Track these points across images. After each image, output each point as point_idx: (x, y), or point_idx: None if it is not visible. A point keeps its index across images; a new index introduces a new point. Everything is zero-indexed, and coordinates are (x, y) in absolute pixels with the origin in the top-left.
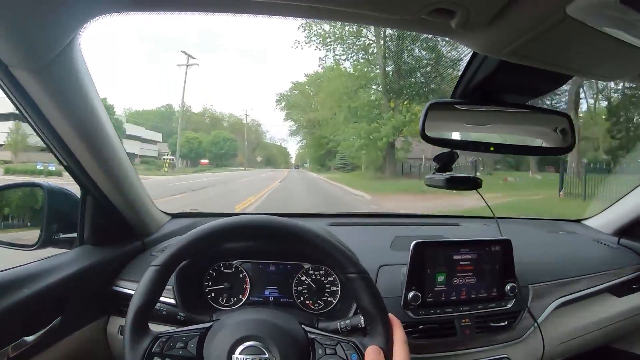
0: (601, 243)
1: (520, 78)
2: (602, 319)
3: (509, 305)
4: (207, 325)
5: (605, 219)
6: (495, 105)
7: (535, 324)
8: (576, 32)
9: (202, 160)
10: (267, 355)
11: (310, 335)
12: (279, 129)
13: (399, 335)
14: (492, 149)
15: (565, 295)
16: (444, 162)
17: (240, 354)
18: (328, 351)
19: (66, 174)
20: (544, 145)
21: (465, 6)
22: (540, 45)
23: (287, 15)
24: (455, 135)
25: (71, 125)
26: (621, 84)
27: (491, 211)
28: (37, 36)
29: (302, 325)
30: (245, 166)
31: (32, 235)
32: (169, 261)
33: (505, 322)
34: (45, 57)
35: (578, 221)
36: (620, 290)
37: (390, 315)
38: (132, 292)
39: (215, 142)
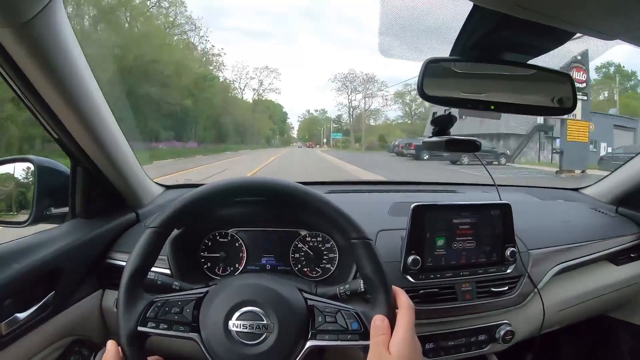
0: (599, 211)
1: (520, 35)
2: (601, 286)
3: (509, 270)
4: (203, 290)
5: (603, 187)
6: (494, 63)
7: (536, 290)
8: None
9: None
10: (265, 321)
11: (309, 302)
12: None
13: (403, 301)
14: (492, 107)
15: (564, 262)
16: (442, 125)
17: (237, 319)
18: (328, 319)
19: None
20: (544, 105)
21: None
22: None
23: None
24: (454, 94)
25: (57, 89)
26: None
27: (491, 177)
28: None
29: (302, 292)
30: None
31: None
32: (166, 222)
33: (506, 287)
34: (27, 13)
35: (576, 189)
36: (619, 258)
37: (393, 287)
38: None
39: None
